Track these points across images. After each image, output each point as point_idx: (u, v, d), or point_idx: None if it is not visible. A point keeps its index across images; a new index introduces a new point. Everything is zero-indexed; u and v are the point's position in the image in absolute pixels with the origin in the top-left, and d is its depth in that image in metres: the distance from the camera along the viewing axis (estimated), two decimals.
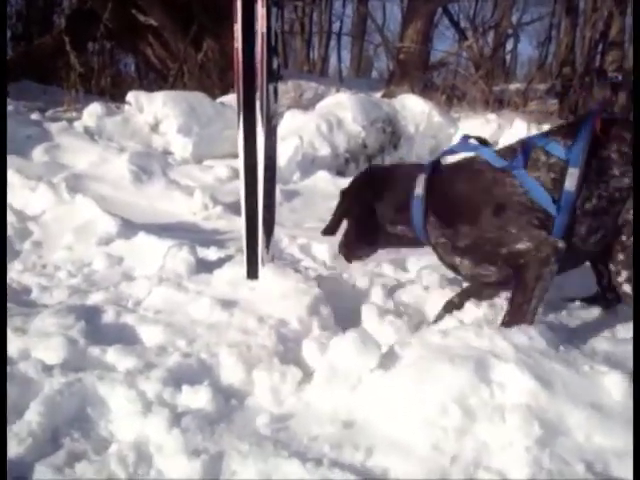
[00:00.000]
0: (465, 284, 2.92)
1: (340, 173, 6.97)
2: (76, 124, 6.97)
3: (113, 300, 2.96)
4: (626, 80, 12.43)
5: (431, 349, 2.18)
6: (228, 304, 2.65)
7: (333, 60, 23.44)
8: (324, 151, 7.00)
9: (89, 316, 2.63)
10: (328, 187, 6.44)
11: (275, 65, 2.74)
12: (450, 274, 3.77)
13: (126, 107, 7.28)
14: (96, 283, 3.33)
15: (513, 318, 2.41)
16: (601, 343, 2.42)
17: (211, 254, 3.77)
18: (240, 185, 2.82)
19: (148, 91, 9.72)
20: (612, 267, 2.56)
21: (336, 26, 23.06)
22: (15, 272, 3.56)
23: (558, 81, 11.89)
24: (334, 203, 5.82)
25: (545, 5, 17.42)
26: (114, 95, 10.31)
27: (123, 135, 6.87)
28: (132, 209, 5.21)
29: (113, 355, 2.32)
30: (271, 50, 2.69)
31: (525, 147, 2.51)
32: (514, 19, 14.95)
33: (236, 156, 6.99)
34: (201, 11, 10.71)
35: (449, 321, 2.74)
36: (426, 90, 10.89)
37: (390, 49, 13.66)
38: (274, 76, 2.76)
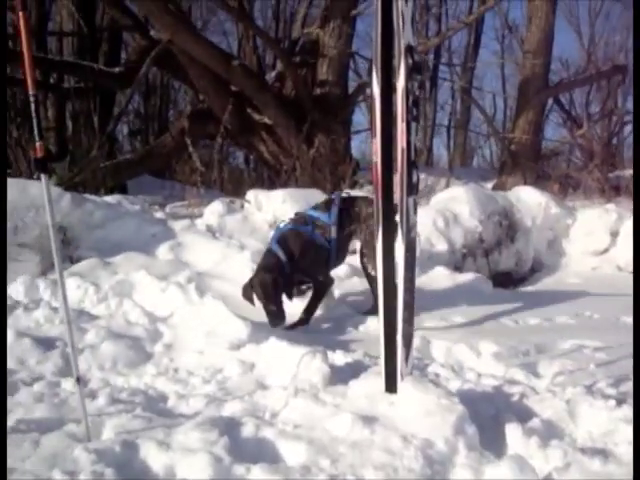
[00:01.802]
0: None
1: (457, 269, 6.86)
2: (198, 222, 7.21)
3: (250, 411, 2.96)
4: None
5: (592, 476, 2.05)
6: (368, 420, 2.59)
7: (435, 149, 23.58)
8: (441, 246, 6.94)
9: (229, 429, 2.63)
10: (446, 283, 6.35)
11: (415, 179, 2.75)
12: (587, 383, 3.63)
13: (245, 205, 7.49)
14: (231, 392, 3.34)
15: None
16: None
17: (339, 359, 3.74)
18: (379, 297, 2.80)
19: (260, 186, 10.02)
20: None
21: (439, 116, 23.38)
22: (149, 376, 3.63)
23: None
24: (455, 300, 5.79)
25: None
26: (227, 189, 10.70)
27: (243, 232, 7.04)
28: (252, 308, 5.27)
29: (258, 474, 2.30)
30: (411, 164, 2.70)
31: (310, 219, 5.18)
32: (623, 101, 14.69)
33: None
34: (312, 108, 11.05)
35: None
36: (539, 180, 10.76)
37: (500, 140, 13.63)
38: (414, 189, 2.76)
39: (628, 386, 3.54)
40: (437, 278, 6.40)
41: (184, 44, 10.21)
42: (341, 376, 3.22)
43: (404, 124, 2.67)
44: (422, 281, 6.32)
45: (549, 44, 11.78)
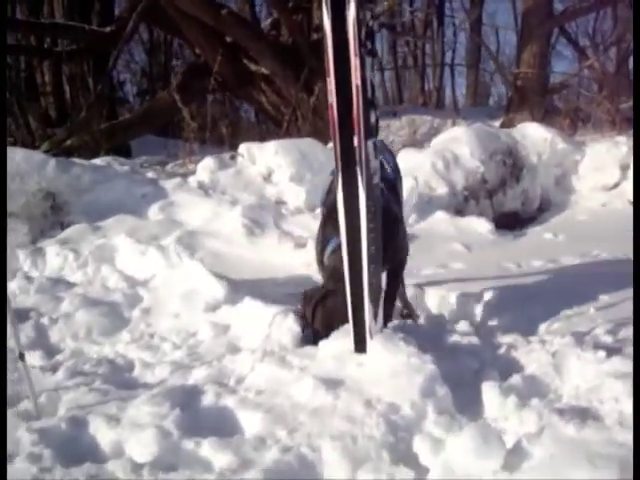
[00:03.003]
0: None
1: (459, 212, 6.60)
2: (190, 179, 7.00)
3: (214, 378, 2.78)
4: None
5: (565, 445, 1.85)
6: (333, 384, 2.39)
7: (448, 90, 22.97)
8: (441, 190, 6.67)
9: (188, 400, 2.47)
10: (447, 228, 6.12)
11: (373, 119, 2.51)
12: (583, 329, 3.41)
13: (239, 159, 7.26)
14: (200, 357, 3.15)
15: None
16: None
17: None
18: (342, 251, 2.59)
19: (266, 137, 9.75)
20: None
21: (449, 55, 22.70)
22: (122, 344, 3.47)
23: None
24: (454, 246, 5.56)
25: None
26: (233, 143, 10.45)
27: (236, 187, 6.82)
28: (245, 265, 5.12)
29: (208, 450, 2.13)
30: (368, 103, 2.46)
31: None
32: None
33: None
34: (309, 55, 10.71)
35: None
36: (547, 115, 10.37)
37: (506, 76, 13.17)
38: (373, 131, 2.52)
39: (626, 332, 3.32)
40: (437, 223, 6.18)
41: None
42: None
43: (357, 59, 2.42)
44: (421, 227, 6.12)
45: None
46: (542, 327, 3.56)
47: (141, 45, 20.56)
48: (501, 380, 2.49)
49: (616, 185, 7.78)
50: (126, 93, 20.36)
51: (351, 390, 2.35)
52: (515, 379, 2.48)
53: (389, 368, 2.40)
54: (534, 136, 7.99)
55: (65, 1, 13.03)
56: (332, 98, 2.50)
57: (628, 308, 3.78)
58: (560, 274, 4.76)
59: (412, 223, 6.25)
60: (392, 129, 11.14)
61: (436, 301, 4.04)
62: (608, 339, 3.12)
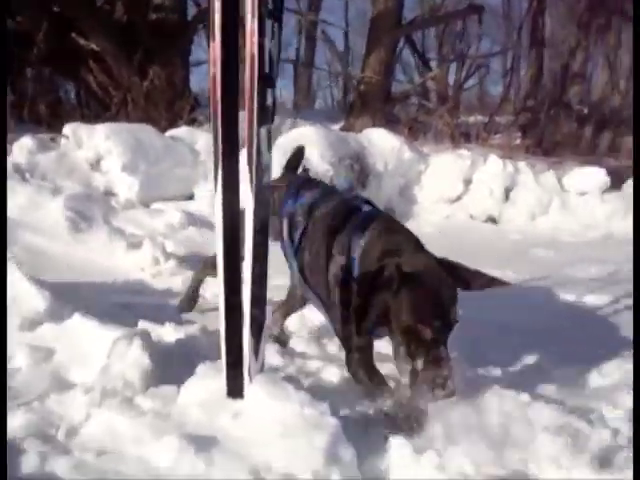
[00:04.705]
0: None
1: None
2: None
3: (37, 427, 2.03)
4: (592, 113, 12.13)
5: None
6: (204, 443, 1.80)
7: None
8: None
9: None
10: None
11: (270, 100, 1.96)
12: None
13: (62, 141, 6.39)
14: (16, 393, 2.36)
15: None
16: None
17: (168, 336, 2.84)
18: (218, 268, 2.00)
19: (90, 120, 8.84)
20: None
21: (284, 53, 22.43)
22: None
23: (524, 114, 11.46)
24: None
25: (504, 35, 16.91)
26: (52, 124, 9.42)
27: (58, 173, 5.97)
28: (69, 266, 4.39)
29: None
30: (265, 79, 1.91)
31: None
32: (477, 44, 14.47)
33: (189, 198, 6.12)
34: (147, 35, 9.94)
35: None
36: (388, 123, 10.29)
37: (349, 79, 13.04)
38: (268, 115, 1.98)
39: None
40: None
41: None
42: (170, 372, 2.37)
43: (255, 20, 1.87)
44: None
45: None
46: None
47: None
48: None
49: (459, 198, 7.77)
50: None
51: (229, 452, 1.78)
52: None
53: (278, 422, 1.85)
54: (381, 143, 7.79)
55: None
56: (215, 68, 1.92)
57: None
58: None
59: None
60: (272, 137, 10.67)
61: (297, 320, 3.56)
62: None
